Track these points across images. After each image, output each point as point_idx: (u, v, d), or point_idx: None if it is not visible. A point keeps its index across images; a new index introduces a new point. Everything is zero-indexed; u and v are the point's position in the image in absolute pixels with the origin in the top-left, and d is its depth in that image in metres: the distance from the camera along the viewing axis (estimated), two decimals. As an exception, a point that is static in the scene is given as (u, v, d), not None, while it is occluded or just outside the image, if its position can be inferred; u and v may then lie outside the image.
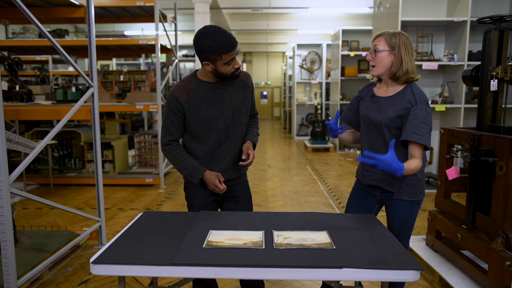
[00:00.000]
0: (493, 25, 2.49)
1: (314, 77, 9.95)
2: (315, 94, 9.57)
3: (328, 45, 9.83)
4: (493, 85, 2.43)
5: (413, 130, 1.65)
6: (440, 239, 2.81)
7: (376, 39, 1.79)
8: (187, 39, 13.71)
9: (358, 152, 8.06)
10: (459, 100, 4.67)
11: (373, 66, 1.80)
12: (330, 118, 8.90)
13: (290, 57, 13.10)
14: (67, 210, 2.81)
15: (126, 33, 12.45)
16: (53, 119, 5.22)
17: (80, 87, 5.66)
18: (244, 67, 18.89)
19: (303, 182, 5.60)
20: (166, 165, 5.98)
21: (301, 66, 9.95)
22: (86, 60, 10.90)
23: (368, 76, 1.94)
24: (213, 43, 1.68)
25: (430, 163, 5.02)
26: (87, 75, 3.21)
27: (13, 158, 5.26)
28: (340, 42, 7.95)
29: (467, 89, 4.75)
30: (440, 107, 4.64)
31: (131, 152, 6.66)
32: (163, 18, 5.49)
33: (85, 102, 2.97)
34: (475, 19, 3.20)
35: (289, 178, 5.85)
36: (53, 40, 2.56)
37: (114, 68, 11.73)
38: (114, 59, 11.53)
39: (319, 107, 8.84)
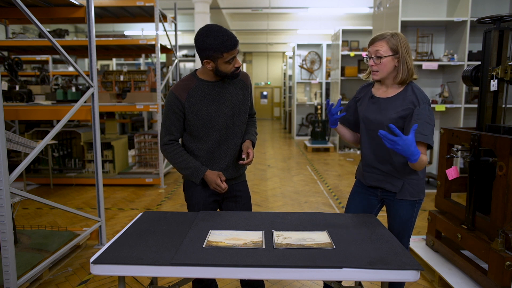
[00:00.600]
0: (493, 25, 2.49)
1: (314, 77, 9.95)
2: (315, 94, 9.57)
3: (328, 45, 9.83)
4: (493, 85, 2.43)
5: (418, 130, 1.66)
6: (440, 239, 2.81)
7: (377, 43, 1.74)
8: (187, 39, 13.72)
9: (358, 152, 8.07)
10: (459, 100, 4.67)
11: (376, 71, 1.77)
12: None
13: (290, 57, 13.10)
14: (67, 210, 2.81)
15: (126, 33, 12.45)
16: (53, 119, 5.22)
17: (80, 87, 5.66)
18: (244, 67, 18.89)
19: (303, 182, 5.60)
20: (166, 165, 5.99)
21: (301, 66, 9.95)
22: (86, 60, 10.90)
23: (362, 76, 1.92)
24: (215, 41, 1.68)
25: (430, 163, 5.02)
26: (87, 75, 3.21)
27: (13, 158, 5.26)
28: (340, 42, 7.95)
29: (467, 89, 4.75)
30: (440, 107, 4.64)
31: (131, 152, 6.66)
32: (163, 18, 5.49)
33: (85, 102, 2.97)
34: (475, 19, 3.20)
35: (289, 178, 5.85)
36: (53, 40, 2.56)
37: (114, 68, 11.73)
38: (114, 59, 11.53)
39: (319, 107, 8.84)
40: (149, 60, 9.59)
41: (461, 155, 2.50)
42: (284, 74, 15.07)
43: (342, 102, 8.22)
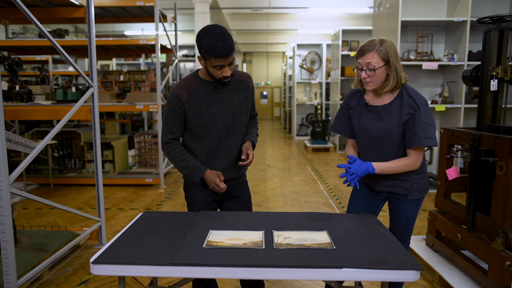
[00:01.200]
0: (493, 25, 2.49)
1: (314, 77, 9.95)
2: (315, 94, 9.57)
3: (328, 45, 9.83)
4: (493, 85, 2.43)
5: (424, 135, 1.67)
6: (440, 239, 2.81)
7: (368, 55, 1.69)
8: (187, 39, 13.72)
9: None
10: (459, 100, 4.67)
11: (369, 82, 1.73)
12: (330, 118, 8.89)
13: (290, 57, 13.10)
14: (67, 210, 2.81)
15: (126, 33, 12.45)
16: (53, 119, 5.22)
17: (80, 87, 5.66)
18: (244, 67, 18.90)
19: (303, 182, 5.60)
20: (166, 165, 5.99)
21: (301, 66, 9.95)
22: (86, 60, 10.89)
23: (353, 85, 1.89)
24: (208, 43, 1.68)
25: (430, 163, 5.02)
26: (87, 75, 3.21)
27: (13, 158, 5.26)
28: (340, 42, 7.95)
29: (467, 89, 4.75)
30: (440, 107, 4.64)
31: (131, 152, 6.66)
32: (163, 18, 5.49)
33: (85, 102, 2.97)
34: (475, 19, 3.20)
35: (289, 178, 5.85)
36: (53, 40, 2.56)
37: (114, 68, 11.73)
38: (114, 59, 11.53)
39: (319, 107, 8.83)
40: (149, 60, 9.59)
41: (461, 155, 2.50)
42: (284, 74, 15.07)
43: (342, 102, 8.20)
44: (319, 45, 9.98)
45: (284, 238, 1.53)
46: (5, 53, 5.69)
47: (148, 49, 6.26)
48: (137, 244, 1.48)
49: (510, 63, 2.37)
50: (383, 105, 1.79)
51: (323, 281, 2.00)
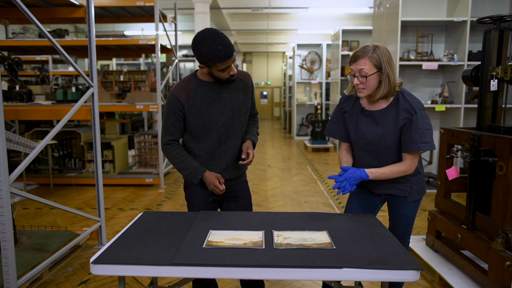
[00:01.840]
0: (493, 25, 2.49)
1: (314, 77, 9.95)
2: (315, 94, 9.57)
3: (328, 45, 9.83)
4: (493, 85, 2.43)
5: (422, 140, 1.67)
6: (440, 239, 2.81)
7: (360, 61, 1.68)
8: (187, 39, 13.71)
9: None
10: (459, 100, 4.67)
11: (362, 89, 1.72)
12: (330, 118, 8.91)
13: (290, 57, 13.10)
14: (67, 210, 2.81)
15: (126, 33, 12.45)
16: (53, 119, 5.22)
17: (80, 87, 5.66)
18: (244, 67, 18.90)
19: (303, 182, 5.60)
20: (166, 165, 5.99)
21: (301, 66, 9.95)
22: (86, 60, 10.90)
23: (346, 91, 1.87)
24: (209, 50, 1.66)
25: (430, 163, 5.02)
26: (87, 75, 3.21)
27: (13, 158, 5.26)
28: (340, 42, 7.95)
29: (467, 89, 4.75)
30: (440, 107, 4.64)
31: (131, 152, 6.66)
32: (163, 18, 5.49)
33: (85, 102, 2.97)
34: (475, 19, 3.20)
35: (289, 178, 5.85)
36: (53, 40, 2.56)
37: (114, 68, 11.73)
38: (114, 59, 11.52)
39: (319, 107, 8.84)
40: (149, 60, 9.59)
41: (461, 155, 2.50)
42: (284, 74, 15.07)
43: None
44: (319, 45, 9.98)
45: (284, 238, 1.53)
46: (5, 53, 5.69)
47: (148, 49, 6.26)
48: (137, 244, 1.48)
49: (510, 63, 2.37)
50: (380, 110, 1.78)
51: (322, 281, 2.00)
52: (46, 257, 2.62)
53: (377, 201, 1.94)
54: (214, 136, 1.86)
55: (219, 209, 2.06)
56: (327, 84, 9.79)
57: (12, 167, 2.17)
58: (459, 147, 2.48)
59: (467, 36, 4.49)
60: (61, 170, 5.56)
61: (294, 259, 1.33)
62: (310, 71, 9.91)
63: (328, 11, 12.70)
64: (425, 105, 4.62)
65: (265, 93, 19.98)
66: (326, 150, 8.51)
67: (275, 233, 1.58)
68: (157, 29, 5.05)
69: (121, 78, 6.09)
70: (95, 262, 1.34)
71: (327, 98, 9.68)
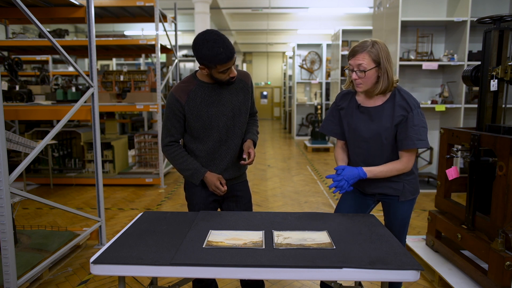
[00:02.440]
0: (493, 25, 2.49)
1: (314, 77, 9.95)
2: (315, 94, 9.57)
3: (328, 45, 9.83)
4: (493, 85, 2.43)
5: (417, 137, 1.67)
6: (440, 239, 2.81)
7: (359, 56, 1.68)
8: (187, 39, 13.72)
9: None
10: (459, 100, 4.67)
11: (360, 84, 1.72)
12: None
13: (290, 57, 13.10)
14: (67, 210, 2.81)
15: (126, 33, 12.45)
16: (53, 119, 5.22)
17: (80, 87, 5.66)
18: (244, 67, 18.90)
19: (303, 182, 5.60)
20: (166, 165, 5.99)
21: (301, 66, 9.95)
22: (86, 60, 10.90)
23: (344, 86, 1.88)
24: (209, 52, 1.66)
25: (430, 163, 5.02)
26: (87, 75, 3.21)
27: (13, 158, 5.26)
28: (340, 42, 7.95)
29: (467, 89, 4.75)
30: (440, 107, 4.64)
31: (131, 152, 6.66)
32: (163, 18, 5.49)
33: (85, 102, 2.97)
34: (475, 19, 3.20)
35: (289, 178, 5.85)
36: (53, 40, 2.56)
37: (114, 68, 11.73)
38: (114, 59, 11.52)
39: (319, 107, 8.84)
40: (149, 60, 9.59)
41: (461, 155, 2.50)
42: (284, 74, 15.07)
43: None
44: (319, 45, 9.98)
45: (284, 238, 1.53)
46: (5, 53, 5.69)
47: (148, 49, 6.26)
48: (137, 244, 1.48)
49: (510, 63, 2.37)
50: (375, 106, 1.78)
51: (321, 280, 2.00)
52: (46, 257, 2.62)
53: (370, 201, 1.93)
54: (214, 136, 1.86)
55: (219, 209, 2.07)
56: (327, 84, 9.79)
57: (12, 167, 2.17)
58: (459, 147, 2.48)
59: (467, 36, 4.49)
60: (61, 170, 5.56)
61: (294, 259, 1.34)
62: (310, 71, 9.91)
63: (328, 11, 12.70)
64: (425, 105, 4.63)
65: (265, 93, 19.98)
66: (326, 150, 8.51)
67: (275, 233, 1.58)
68: (157, 29, 5.05)
69: (121, 78, 6.09)
70: (95, 262, 1.34)
71: (327, 98, 9.68)
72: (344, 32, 8.04)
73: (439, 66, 4.78)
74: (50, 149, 5.22)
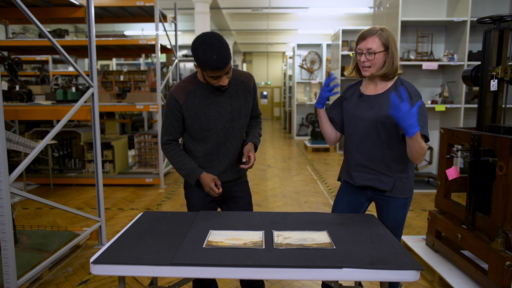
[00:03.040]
0: (493, 25, 2.49)
1: (314, 77, 9.95)
2: (315, 94, 9.57)
3: (328, 45, 9.83)
4: (493, 85, 2.43)
5: None
6: (440, 239, 2.81)
7: (369, 39, 1.71)
8: (187, 39, 13.72)
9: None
10: (459, 100, 4.67)
11: (368, 67, 1.75)
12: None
13: (290, 57, 13.10)
14: (67, 210, 2.81)
15: (126, 33, 12.46)
16: (53, 119, 5.22)
17: (80, 87, 5.66)
18: (244, 67, 18.90)
19: (303, 182, 5.60)
20: (166, 165, 5.99)
21: (301, 66, 9.95)
22: (86, 60, 10.90)
23: (346, 72, 1.90)
24: (203, 55, 1.63)
25: (430, 163, 5.02)
26: (87, 75, 3.21)
27: (13, 158, 5.26)
28: (340, 42, 7.95)
29: (467, 89, 4.75)
30: (440, 107, 4.64)
31: (131, 152, 6.66)
32: (163, 18, 5.49)
33: (85, 102, 2.97)
34: (475, 19, 3.20)
35: (289, 178, 5.85)
36: (53, 40, 2.56)
37: (114, 68, 11.73)
38: (114, 59, 11.53)
39: (319, 107, 8.83)
40: (149, 60, 9.59)
41: (461, 155, 2.50)
42: (284, 74, 15.07)
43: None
44: (319, 45, 9.98)
45: (284, 238, 1.53)
46: (5, 53, 5.69)
47: (148, 49, 6.26)
48: (137, 244, 1.48)
49: (510, 63, 2.37)
50: (376, 94, 1.79)
51: (322, 280, 1.99)
52: (46, 257, 2.62)
53: (363, 199, 1.91)
54: (212, 138, 1.85)
55: (219, 209, 2.06)
56: (327, 84, 9.77)
57: (12, 167, 2.17)
58: (459, 147, 2.48)
59: (467, 36, 4.49)
60: (61, 170, 5.56)
61: (294, 259, 1.33)
62: (310, 71, 9.91)
63: (328, 11, 12.70)
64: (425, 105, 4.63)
65: (265, 93, 19.98)
66: (326, 150, 8.51)
67: (275, 233, 1.58)
68: (157, 29, 5.06)
69: (121, 78, 6.09)
70: (95, 262, 1.34)
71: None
72: (344, 32, 8.05)
73: (439, 66, 4.78)
74: (50, 149, 5.22)
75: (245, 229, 1.63)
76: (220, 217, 1.78)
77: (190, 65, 11.74)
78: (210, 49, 1.62)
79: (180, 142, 1.94)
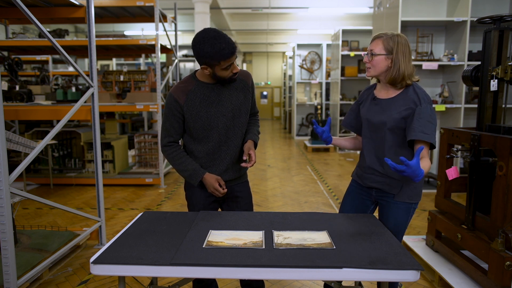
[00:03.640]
0: (493, 25, 2.49)
1: (314, 77, 9.95)
2: (315, 94, 9.57)
3: (328, 45, 9.83)
4: (493, 85, 2.43)
5: (420, 129, 1.66)
6: (440, 239, 2.81)
7: (374, 41, 1.78)
8: (187, 39, 13.71)
9: (358, 152, 8.06)
10: (459, 100, 4.67)
11: (369, 68, 1.80)
12: (330, 118, 8.88)
13: (290, 57, 13.10)
14: (67, 210, 2.81)
15: (126, 33, 12.46)
16: (53, 119, 5.22)
17: (80, 87, 5.66)
18: (244, 67, 18.90)
19: (303, 182, 5.60)
20: (166, 165, 5.98)
21: (301, 66, 9.95)
22: (86, 60, 10.90)
23: (367, 75, 1.95)
24: (212, 49, 1.65)
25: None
26: (87, 75, 3.21)
27: (13, 158, 5.26)
28: (340, 42, 7.95)
29: (467, 89, 4.75)
30: (440, 107, 4.64)
31: (131, 152, 6.66)
32: (163, 18, 5.49)
33: (85, 102, 2.97)
34: (475, 19, 3.20)
35: (289, 178, 5.85)
36: (53, 40, 2.56)
37: (114, 68, 11.73)
38: (114, 59, 11.52)
39: (319, 107, 8.84)
40: (149, 60, 9.58)
41: (461, 155, 2.50)
42: (284, 74, 15.06)
43: (342, 102, 8.21)
44: (319, 45, 9.98)
45: (284, 238, 1.53)
46: (5, 53, 5.69)
47: (148, 49, 6.26)
48: (137, 244, 1.48)
49: (510, 63, 2.37)
50: (388, 98, 1.81)
51: (323, 280, 2.00)
52: (46, 257, 2.62)
53: (368, 201, 1.92)
54: (214, 137, 1.85)
55: (219, 210, 2.06)
56: (327, 84, 9.79)
57: (12, 167, 2.17)
58: (459, 147, 2.48)
59: (467, 36, 4.49)
60: (61, 170, 5.56)
61: (294, 259, 1.34)
62: (310, 71, 9.90)
63: (328, 11, 12.70)
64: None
65: (265, 93, 19.97)
66: (326, 150, 8.51)
67: (275, 233, 1.58)
68: (157, 29, 5.05)
69: (121, 78, 6.09)
70: (95, 262, 1.34)
71: (327, 98, 9.68)
72: (344, 32, 8.05)
73: (439, 66, 4.78)
74: (50, 149, 5.22)
75: (245, 229, 1.63)
76: (220, 217, 1.78)
77: (190, 65, 11.74)
78: (215, 40, 1.65)
79: (180, 143, 1.94)
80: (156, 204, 4.47)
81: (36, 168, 5.60)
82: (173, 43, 6.25)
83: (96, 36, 4.77)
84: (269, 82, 19.72)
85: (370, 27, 7.66)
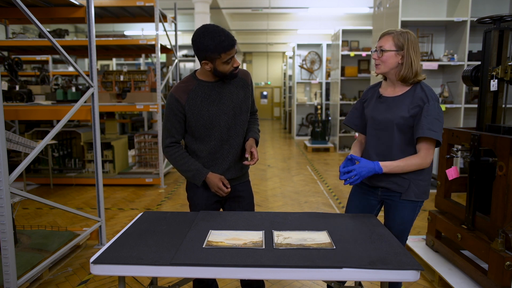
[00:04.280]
0: (493, 25, 2.49)
1: (314, 77, 9.95)
2: (315, 94, 9.57)
3: (328, 45, 9.82)
4: (493, 85, 2.43)
5: (428, 126, 1.66)
6: (440, 239, 2.81)
7: (383, 38, 1.76)
8: (187, 39, 13.69)
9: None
10: (459, 100, 4.67)
11: (378, 65, 1.78)
12: (330, 118, 8.89)
13: (290, 57, 13.10)
14: (67, 210, 2.81)
15: (126, 33, 12.45)
16: (53, 119, 5.23)
17: (80, 87, 5.66)
18: (244, 67, 18.89)
19: (303, 182, 5.60)
20: (166, 165, 5.98)
21: (301, 66, 9.95)
22: (86, 60, 10.90)
23: (373, 72, 1.93)
24: (212, 42, 1.67)
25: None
26: (87, 75, 3.21)
27: (13, 158, 5.26)
28: (340, 42, 7.95)
29: (467, 89, 4.75)
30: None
31: (131, 152, 6.66)
32: (163, 18, 5.49)
33: (85, 102, 2.97)
34: (475, 19, 3.20)
35: (289, 178, 5.85)
36: (53, 40, 2.56)
37: (114, 68, 11.73)
38: (114, 59, 11.53)
39: (319, 107, 8.83)
40: (149, 60, 9.59)
41: (461, 155, 2.50)
42: (284, 74, 15.07)
43: (342, 102, 8.21)
44: (319, 45, 9.97)
45: (284, 238, 1.53)
46: (5, 53, 5.69)
47: (148, 49, 6.26)
48: (137, 244, 1.48)
49: (510, 63, 2.37)
50: (394, 96, 1.80)
51: (324, 281, 2.00)
52: (46, 257, 2.62)
53: (374, 201, 1.92)
54: (216, 136, 1.85)
55: (221, 209, 2.06)
56: (327, 84, 9.79)
57: (12, 167, 2.17)
58: (459, 147, 2.48)
59: (467, 36, 4.49)
60: (61, 170, 5.56)
61: (294, 259, 1.33)
62: (310, 71, 9.90)
63: (328, 11, 12.70)
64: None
65: (265, 93, 19.97)
66: (326, 150, 8.51)
67: (275, 233, 1.58)
68: (157, 29, 5.06)
69: (121, 78, 6.09)
70: (95, 262, 1.34)
71: (327, 98, 9.68)
72: (344, 32, 8.04)
73: (439, 66, 4.78)
74: (50, 149, 5.22)
75: (245, 229, 1.63)
76: (220, 217, 1.78)
77: (190, 65, 11.75)
78: (215, 34, 1.67)
79: (182, 144, 1.94)
80: (156, 204, 4.47)
81: (36, 168, 5.60)
82: (173, 43, 6.25)
83: (96, 36, 4.77)
84: (269, 82, 19.72)
85: (370, 27, 7.66)
